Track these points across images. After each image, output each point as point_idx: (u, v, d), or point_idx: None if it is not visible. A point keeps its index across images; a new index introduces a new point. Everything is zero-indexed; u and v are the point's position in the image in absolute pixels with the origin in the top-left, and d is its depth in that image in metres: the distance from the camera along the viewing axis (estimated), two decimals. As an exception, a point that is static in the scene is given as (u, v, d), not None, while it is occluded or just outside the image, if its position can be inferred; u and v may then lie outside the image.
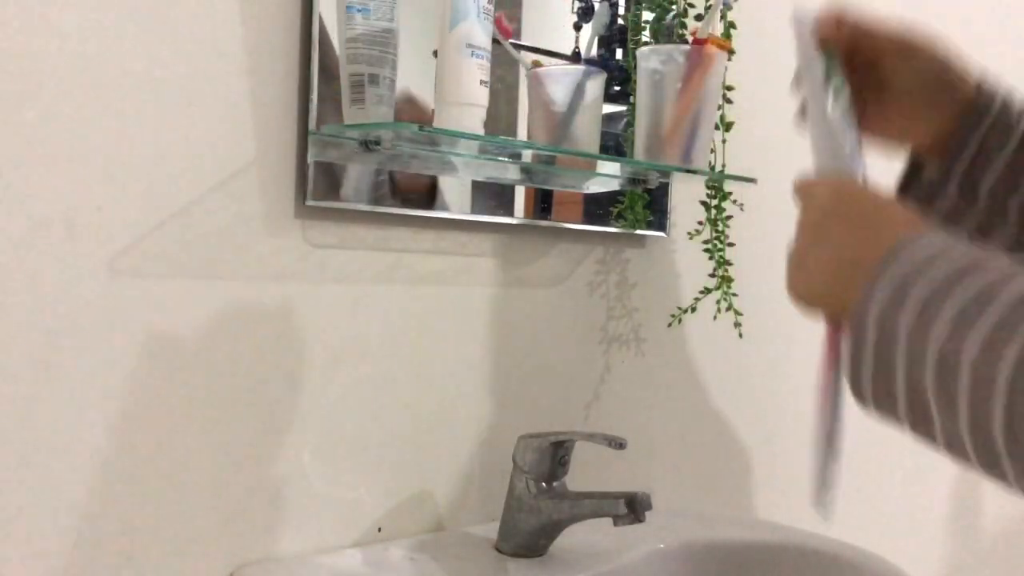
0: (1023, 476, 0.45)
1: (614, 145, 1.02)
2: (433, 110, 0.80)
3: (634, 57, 0.96)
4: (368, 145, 0.79)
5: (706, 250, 1.04)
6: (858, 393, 0.54)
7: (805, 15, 0.65)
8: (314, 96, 0.80)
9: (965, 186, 0.68)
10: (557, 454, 0.86)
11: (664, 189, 1.07)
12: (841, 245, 0.56)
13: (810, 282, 0.59)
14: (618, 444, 0.82)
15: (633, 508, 0.80)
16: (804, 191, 0.62)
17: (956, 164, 0.68)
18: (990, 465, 0.46)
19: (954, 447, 0.49)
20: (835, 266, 0.56)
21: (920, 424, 0.50)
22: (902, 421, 0.51)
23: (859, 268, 0.53)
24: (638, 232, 1.07)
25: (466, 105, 0.77)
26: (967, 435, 0.46)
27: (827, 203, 0.60)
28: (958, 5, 1.52)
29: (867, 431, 1.49)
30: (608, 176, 1.00)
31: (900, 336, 0.49)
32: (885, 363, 0.50)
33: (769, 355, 1.26)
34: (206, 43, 0.76)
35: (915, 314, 0.48)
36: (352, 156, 0.81)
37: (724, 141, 1.00)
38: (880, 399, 0.52)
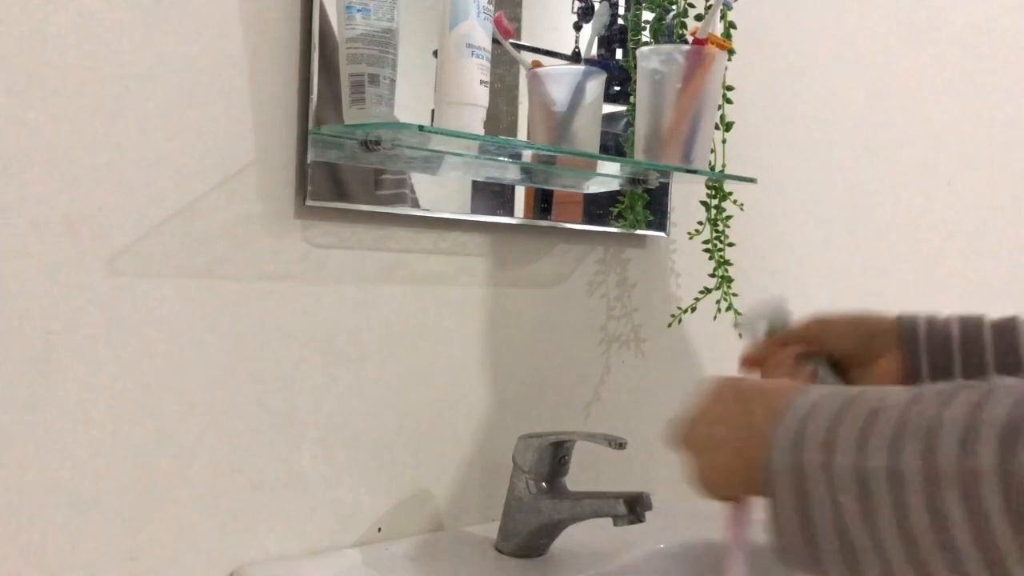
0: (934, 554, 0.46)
1: (614, 145, 1.02)
2: (433, 110, 0.80)
3: (634, 57, 0.96)
4: (368, 145, 0.79)
5: (706, 250, 1.04)
6: (785, 547, 0.54)
7: (751, 322, 0.77)
8: (314, 96, 0.80)
9: None
10: (557, 454, 0.86)
11: (664, 189, 1.07)
12: (735, 426, 0.58)
13: (713, 467, 0.61)
14: (618, 444, 0.82)
15: (633, 508, 0.80)
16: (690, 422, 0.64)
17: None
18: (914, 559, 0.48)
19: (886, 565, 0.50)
20: (735, 443, 0.58)
21: (848, 560, 0.51)
22: (829, 565, 0.52)
23: (757, 437, 0.55)
24: (638, 232, 1.07)
25: (466, 105, 0.77)
26: (897, 554, 0.48)
27: (713, 398, 0.63)
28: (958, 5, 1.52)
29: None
30: (608, 176, 1.00)
31: (809, 475, 0.51)
32: (803, 503, 0.52)
33: (769, 355, 1.26)
34: (206, 43, 0.76)
35: (818, 451, 0.51)
36: (352, 156, 0.81)
37: (724, 141, 1.00)
38: (804, 545, 0.52)
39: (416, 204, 0.89)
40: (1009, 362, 0.69)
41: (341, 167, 0.83)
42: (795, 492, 0.52)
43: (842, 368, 0.74)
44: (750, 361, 0.78)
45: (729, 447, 0.58)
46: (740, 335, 0.79)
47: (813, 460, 0.51)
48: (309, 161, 0.81)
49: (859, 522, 0.49)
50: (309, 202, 0.82)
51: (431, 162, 0.88)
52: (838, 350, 0.74)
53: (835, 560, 0.51)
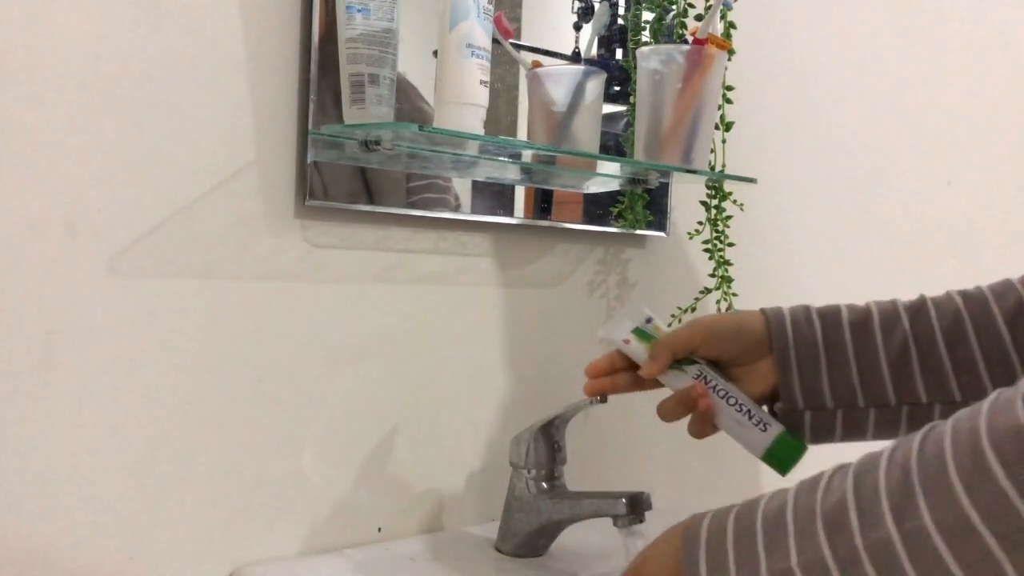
0: None
1: (614, 145, 1.02)
2: (433, 110, 0.80)
3: (634, 57, 0.96)
4: (368, 145, 0.79)
5: (706, 250, 1.04)
6: None
7: (612, 331, 0.76)
8: (314, 96, 0.80)
9: (814, 404, 0.73)
10: (550, 439, 0.86)
11: (664, 189, 1.07)
12: None
13: None
14: (600, 400, 0.82)
15: (633, 508, 0.80)
16: None
17: (793, 392, 0.73)
18: None
19: None
20: None
21: None
22: None
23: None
24: (638, 232, 1.07)
25: (466, 105, 0.77)
26: None
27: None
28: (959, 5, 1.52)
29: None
30: (608, 176, 1.00)
31: None
32: None
33: (769, 355, 1.26)
34: (206, 43, 0.76)
35: (736, 563, 0.55)
36: (352, 156, 0.81)
37: (724, 141, 1.00)
38: None
39: (458, 208, 0.90)
40: (868, 356, 0.71)
41: (341, 167, 0.83)
42: None
43: (723, 367, 0.74)
44: (597, 370, 0.77)
45: None
46: (600, 342, 0.78)
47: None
48: (309, 161, 0.81)
49: None
50: (309, 202, 0.82)
51: (431, 162, 0.88)
52: (718, 355, 0.73)
53: None
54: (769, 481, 1.35)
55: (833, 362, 0.71)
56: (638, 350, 0.75)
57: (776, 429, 0.71)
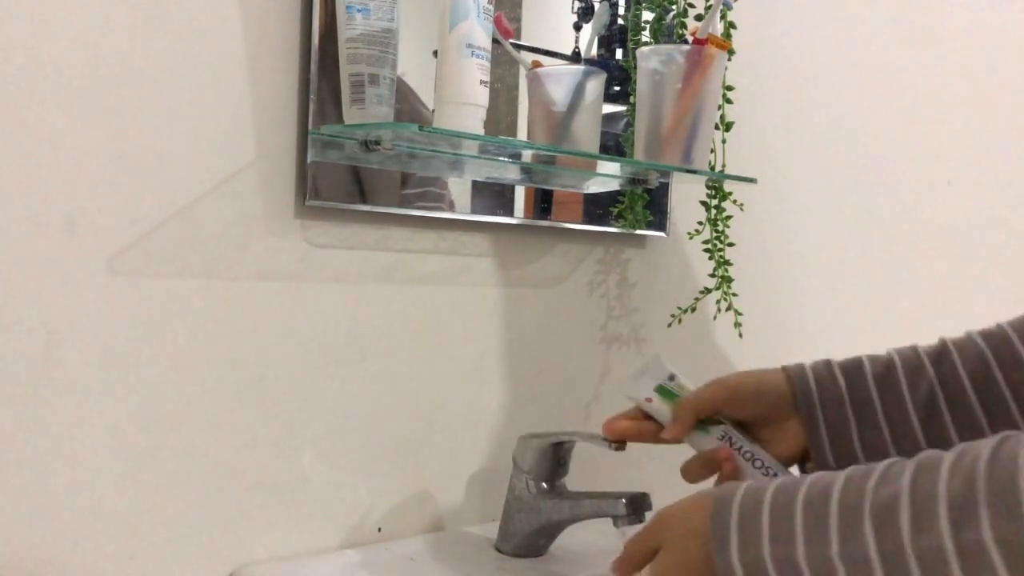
0: None
1: (614, 145, 1.02)
2: (433, 110, 0.80)
3: (634, 57, 0.96)
4: (368, 145, 0.79)
5: (706, 250, 1.04)
6: None
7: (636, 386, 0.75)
8: (314, 96, 0.80)
9: (846, 464, 0.72)
10: (557, 455, 0.86)
11: (664, 189, 1.07)
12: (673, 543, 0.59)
13: None
14: (618, 448, 0.82)
15: (633, 508, 0.80)
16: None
17: (824, 453, 0.72)
18: None
19: None
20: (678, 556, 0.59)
21: None
22: None
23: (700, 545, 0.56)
24: (638, 232, 1.07)
25: (466, 105, 0.77)
26: None
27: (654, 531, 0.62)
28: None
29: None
30: (608, 176, 1.00)
31: (768, 568, 0.53)
32: None
33: (769, 355, 1.26)
34: (206, 43, 0.76)
35: (770, 543, 0.53)
36: (352, 156, 0.81)
37: (724, 141, 1.00)
38: None
39: (452, 207, 0.90)
40: (897, 410, 0.70)
41: (341, 167, 0.83)
42: None
43: (748, 427, 0.73)
44: (614, 428, 0.76)
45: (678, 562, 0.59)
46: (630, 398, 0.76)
47: (761, 556, 0.53)
48: (309, 161, 0.81)
49: None
50: (309, 202, 0.82)
51: (431, 162, 0.88)
52: (742, 415, 0.73)
53: None
54: (769, 481, 1.35)
55: (862, 420, 0.70)
56: (661, 410, 0.73)
57: None
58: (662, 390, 0.73)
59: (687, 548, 0.57)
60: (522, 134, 0.95)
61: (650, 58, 0.90)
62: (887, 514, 0.49)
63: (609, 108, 0.96)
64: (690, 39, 0.89)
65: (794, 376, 0.73)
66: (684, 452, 1.16)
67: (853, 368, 0.72)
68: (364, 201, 0.85)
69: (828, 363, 0.73)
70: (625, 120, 1.02)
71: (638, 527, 0.79)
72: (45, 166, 0.70)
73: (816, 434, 0.71)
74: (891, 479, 0.50)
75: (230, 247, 0.79)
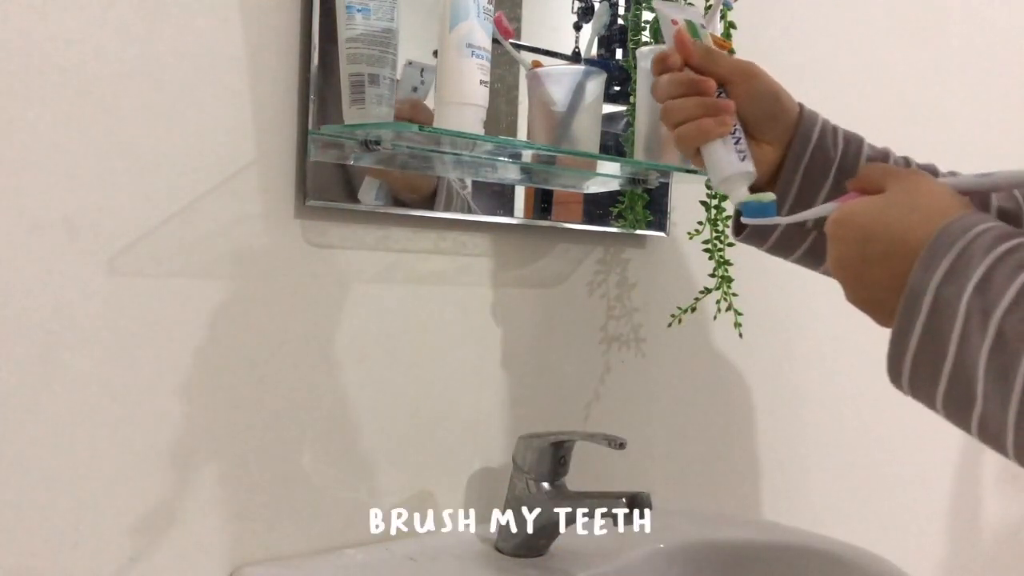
0: None
1: (614, 145, 1.02)
2: (433, 110, 0.80)
3: (634, 57, 0.96)
4: (368, 145, 0.79)
5: (706, 250, 1.04)
6: (895, 372, 0.55)
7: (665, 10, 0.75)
8: (314, 96, 0.80)
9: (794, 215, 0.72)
10: (557, 454, 0.86)
11: (664, 189, 1.07)
12: (891, 239, 0.57)
13: (867, 281, 0.59)
14: (618, 444, 0.82)
15: (633, 508, 0.80)
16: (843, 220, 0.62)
17: (786, 197, 0.73)
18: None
19: (987, 430, 0.50)
20: (888, 258, 0.57)
21: (955, 406, 0.51)
22: (936, 403, 0.53)
23: (911, 251, 0.54)
24: (638, 232, 1.07)
25: (466, 105, 0.77)
26: (1013, 415, 0.48)
27: (869, 214, 0.60)
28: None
29: (866, 432, 1.49)
30: (608, 176, 1.00)
31: (958, 310, 0.50)
32: (935, 338, 0.51)
33: (769, 355, 1.26)
34: (206, 43, 0.76)
35: (973, 290, 0.50)
36: (352, 156, 0.81)
37: (724, 141, 1.00)
38: (920, 379, 0.53)
39: (468, 209, 0.91)
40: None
41: (341, 167, 0.83)
42: (930, 318, 0.52)
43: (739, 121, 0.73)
44: (665, 62, 0.73)
45: (885, 261, 0.57)
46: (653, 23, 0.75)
47: (967, 300, 0.50)
48: (309, 161, 0.81)
49: (984, 375, 0.49)
50: (309, 202, 0.82)
51: (431, 162, 0.88)
52: (745, 110, 0.72)
53: (944, 402, 0.52)
54: (770, 485, 1.36)
55: (835, 188, 0.71)
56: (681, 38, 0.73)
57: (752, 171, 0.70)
58: (691, 25, 0.74)
59: (895, 243, 0.56)
60: (522, 134, 0.95)
61: (650, 58, 0.90)
62: None
63: (609, 108, 0.96)
64: (690, 39, 0.89)
65: (806, 117, 0.74)
66: (683, 451, 1.16)
67: (854, 141, 0.74)
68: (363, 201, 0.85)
69: (835, 128, 0.75)
70: (625, 120, 1.02)
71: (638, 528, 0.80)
72: (45, 166, 0.70)
73: (788, 182, 0.72)
74: None
75: (230, 247, 0.79)
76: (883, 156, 0.75)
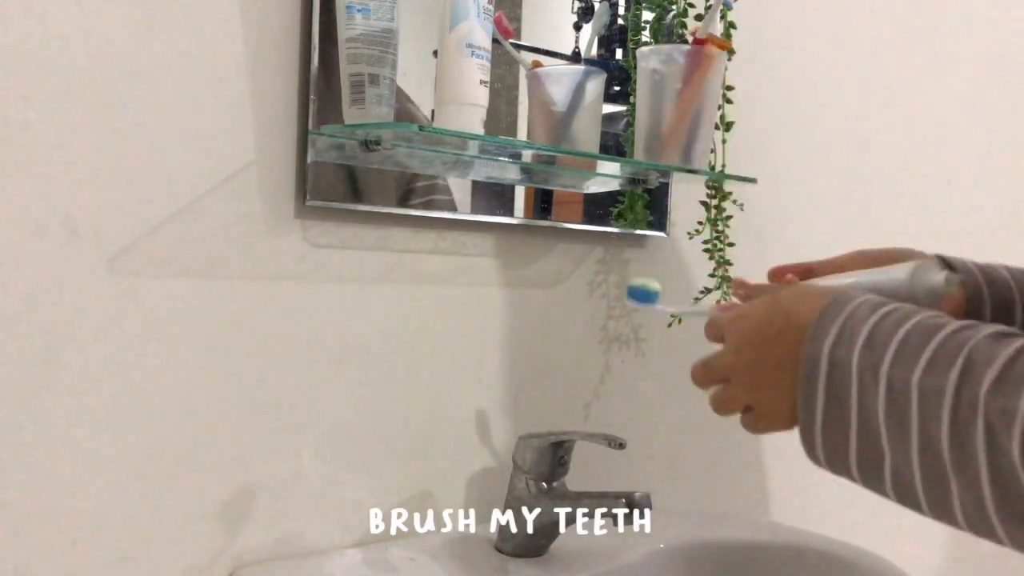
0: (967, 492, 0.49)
1: (614, 145, 1.02)
2: (433, 110, 0.80)
3: (634, 57, 0.96)
4: (368, 145, 0.79)
5: (706, 250, 1.04)
6: (809, 444, 0.58)
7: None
8: (314, 96, 0.80)
9: None
10: (557, 454, 0.86)
11: (664, 189, 1.07)
12: (786, 317, 0.61)
13: (768, 361, 0.63)
14: (618, 444, 0.82)
15: (633, 508, 0.80)
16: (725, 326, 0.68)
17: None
18: (938, 486, 0.50)
19: (900, 483, 0.52)
20: (783, 334, 0.61)
21: (868, 465, 0.54)
22: (852, 468, 0.55)
23: (802, 328, 0.58)
24: (638, 232, 1.07)
25: (466, 105, 0.77)
26: (916, 463, 0.51)
27: (750, 318, 0.65)
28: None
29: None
30: (608, 176, 1.00)
31: (851, 369, 0.54)
32: (838, 401, 0.55)
33: (769, 355, 1.26)
34: (206, 43, 0.76)
35: (861, 348, 0.54)
36: (352, 156, 0.81)
37: (724, 141, 1.00)
38: (832, 446, 0.56)
39: (454, 208, 0.90)
40: None
41: (341, 167, 0.83)
42: (829, 379, 0.55)
43: None
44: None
45: (771, 351, 0.61)
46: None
47: (858, 358, 0.54)
48: (309, 161, 0.81)
49: (885, 427, 0.52)
50: (309, 202, 0.82)
51: (431, 162, 0.88)
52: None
53: (858, 463, 0.54)
54: (770, 485, 1.36)
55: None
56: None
57: None
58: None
59: (787, 329, 0.60)
60: (522, 134, 0.95)
61: (650, 58, 0.90)
62: (973, 367, 0.49)
63: (609, 108, 0.96)
64: (690, 39, 0.89)
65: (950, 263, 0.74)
66: (683, 451, 1.16)
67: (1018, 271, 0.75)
68: (363, 201, 0.85)
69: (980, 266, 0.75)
70: (625, 120, 1.02)
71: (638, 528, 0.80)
72: (45, 166, 0.70)
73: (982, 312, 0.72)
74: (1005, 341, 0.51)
75: (230, 247, 0.79)
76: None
